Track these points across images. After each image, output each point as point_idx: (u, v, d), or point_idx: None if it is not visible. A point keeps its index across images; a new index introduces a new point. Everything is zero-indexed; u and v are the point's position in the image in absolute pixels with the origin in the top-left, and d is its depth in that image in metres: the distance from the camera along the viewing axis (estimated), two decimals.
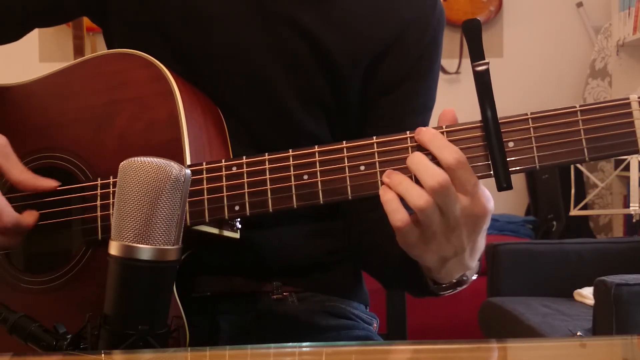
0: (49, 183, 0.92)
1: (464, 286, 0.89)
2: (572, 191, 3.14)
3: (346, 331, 1.06)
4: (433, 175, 0.77)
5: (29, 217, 0.90)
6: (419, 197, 0.77)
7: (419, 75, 1.06)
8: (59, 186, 0.92)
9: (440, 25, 1.08)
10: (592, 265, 2.78)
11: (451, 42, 3.90)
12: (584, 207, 3.26)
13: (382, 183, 0.80)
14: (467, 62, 4.00)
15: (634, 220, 2.93)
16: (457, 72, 3.99)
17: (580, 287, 2.77)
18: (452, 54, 3.97)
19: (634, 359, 0.76)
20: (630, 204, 2.88)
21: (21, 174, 0.91)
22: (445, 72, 3.94)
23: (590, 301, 2.40)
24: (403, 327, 2.00)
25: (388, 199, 0.79)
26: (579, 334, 2.23)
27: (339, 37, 1.01)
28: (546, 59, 4.07)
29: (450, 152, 0.77)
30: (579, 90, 4.00)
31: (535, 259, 2.93)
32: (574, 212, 3.08)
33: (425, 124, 1.07)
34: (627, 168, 2.97)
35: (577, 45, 4.08)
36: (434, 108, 1.10)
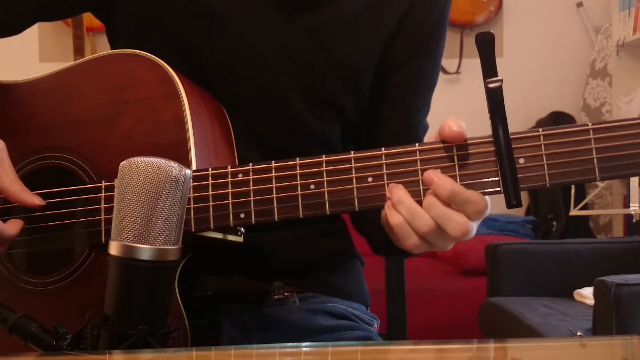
0: (34, 200, 0.90)
1: None
2: (572, 191, 3.14)
3: (347, 332, 1.06)
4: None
5: (12, 225, 0.89)
6: (423, 225, 0.78)
7: (426, 53, 1.05)
8: (44, 206, 0.91)
9: (447, 3, 1.07)
10: (592, 265, 2.78)
11: (451, 42, 3.90)
12: (584, 207, 3.26)
13: (388, 199, 0.80)
14: (466, 62, 4.03)
15: (634, 220, 2.93)
16: (457, 72, 3.99)
17: (580, 287, 2.77)
18: (452, 54, 3.97)
19: (634, 359, 0.76)
20: (630, 204, 2.88)
21: (11, 184, 0.89)
22: (445, 72, 3.94)
23: (590, 301, 2.40)
24: (403, 327, 2.00)
25: (397, 223, 0.79)
26: (579, 334, 2.22)
27: (349, 35, 1.01)
28: (546, 59, 4.07)
29: (454, 228, 0.77)
30: (579, 90, 4.00)
31: (535, 259, 2.93)
32: (574, 212, 3.08)
33: (428, 102, 1.08)
34: None
35: (577, 45, 4.08)
36: (432, 108, 1.10)
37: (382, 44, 1.03)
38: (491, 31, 0.78)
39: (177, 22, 1.00)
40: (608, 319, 2.04)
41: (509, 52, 4.04)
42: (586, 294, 2.68)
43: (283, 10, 1.00)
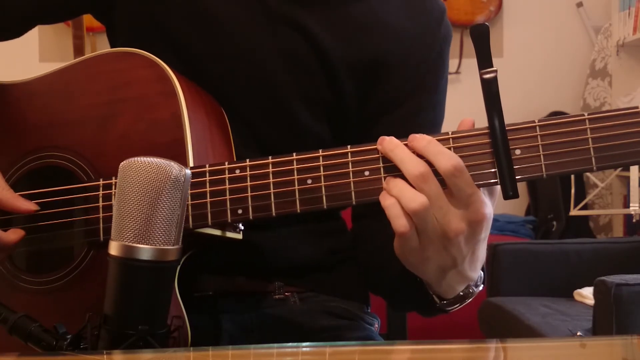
0: (29, 205, 0.91)
1: (470, 299, 0.88)
2: (572, 191, 3.15)
3: (347, 331, 1.06)
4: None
5: (13, 235, 0.90)
6: (412, 200, 0.76)
7: (424, 92, 1.05)
8: (38, 210, 0.91)
9: (446, 41, 1.07)
10: (592, 265, 2.79)
11: (451, 42, 3.91)
12: (584, 207, 3.26)
13: (383, 189, 0.79)
14: (466, 62, 4.03)
15: (634, 220, 2.94)
16: (457, 72, 3.99)
17: (580, 287, 2.77)
18: (452, 54, 3.95)
19: (634, 359, 0.76)
20: (630, 204, 2.88)
21: (1, 191, 0.90)
22: None
23: (590, 301, 2.40)
24: (403, 327, 2.01)
25: (389, 204, 0.77)
26: (579, 334, 2.23)
27: (338, 43, 1.01)
28: (546, 59, 4.07)
29: (446, 159, 0.76)
30: (579, 90, 4.00)
31: (535, 259, 2.93)
32: (574, 212, 3.08)
33: None
34: (627, 168, 2.97)
35: (577, 45, 4.08)
36: None
37: (371, 67, 1.02)
38: (486, 23, 0.78)
39: (175, 23, 1.01)
40: (608, 319, 2.04)
41: (509, 52, 4.04)
42: (586, 294, 2.68)
43: (279, 11, 1.00)
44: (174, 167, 0.73)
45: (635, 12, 3.52)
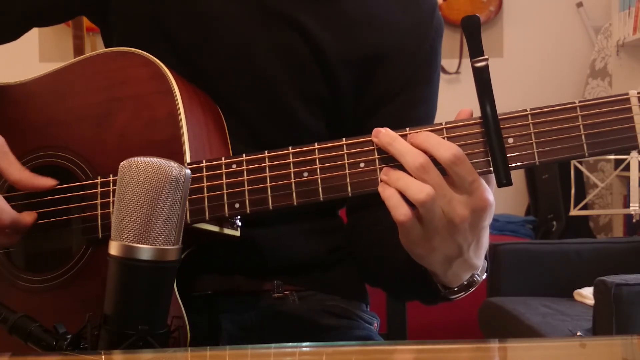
0: (47, 182, 0.92)
1: (475, 287, 0.87)
2: (572, 191, 3.14)
3: (347, 331, 1.06)
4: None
5: (28, 216, 0.91)
6: (419, 192, 0.76)
7: (417, 84, 1.05)
8: (58, 184, 0.92)
9: (439, 34, 1.08)
10: (592, 265, 2.79)
11: (451, 42, 3.90)
12: (584, 207, 3.26)
13: (381, 181, 0.80)
14: (466, 62, 4.01)
15: (634, 220, 2.93)
16: (457, 72, 3.99)
17: (580, 287, 2.77)
18: (452, 54, 3.97)
19: (634, 359, 0.76)
20: (630, 204, 2.88)
21: (20, 172, 0.91)
22: (445, 72, 3.94)
23: (590, 301, 2.40)
24: (403, 327, 2.00)
25: (388, 195, 0.78)
26: (579, 334, 2.23)
27: (333, 39, 1.02)
28: (546, 59, 4.07)
29: (446, 149, 0.77)
30: (579, 90, 4.00)
31: (535, 259, 2.93)
32: (574, 212, 3.08)
33: None
34: (627, 168, 2.96)
35: (577, 45, 4.08)
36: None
37: (367, 61, 1.03)
38: (477, 15, 0.79)
39: (171, 22, 1.01)
40: (608, 319, 2.04)
41: (509, 52, 4.04)
42: (586, 294, 2.68)
43: (275, 9, 1.01)
44: (174, 167, 0.73)
45: (635, 12, 3.52)
